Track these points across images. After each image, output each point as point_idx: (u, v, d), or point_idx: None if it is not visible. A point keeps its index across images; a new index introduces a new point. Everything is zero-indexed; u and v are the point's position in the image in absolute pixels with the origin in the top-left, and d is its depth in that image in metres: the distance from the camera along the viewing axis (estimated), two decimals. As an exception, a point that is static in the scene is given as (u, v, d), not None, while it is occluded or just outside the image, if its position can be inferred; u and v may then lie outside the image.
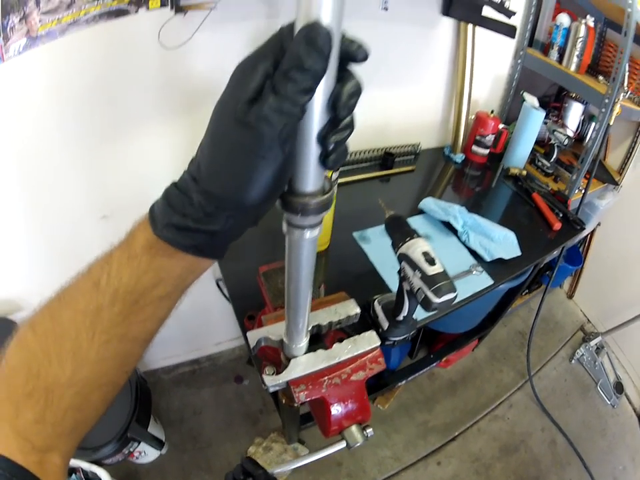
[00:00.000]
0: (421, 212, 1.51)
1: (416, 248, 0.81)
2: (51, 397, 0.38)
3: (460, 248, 1.37)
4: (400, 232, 0.85)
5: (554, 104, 2.23)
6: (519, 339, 2.53)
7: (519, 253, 1.38)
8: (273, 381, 0.64)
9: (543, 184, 1.81)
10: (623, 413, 2.30)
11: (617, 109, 1.65)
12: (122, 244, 0.39)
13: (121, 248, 0.39)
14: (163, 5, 1.16)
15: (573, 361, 2.48)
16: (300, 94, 0.29)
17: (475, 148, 1.92)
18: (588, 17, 1.74)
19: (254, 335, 0.69)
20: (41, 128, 1.22)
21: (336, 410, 0.68)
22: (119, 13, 1.17)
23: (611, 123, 1.67)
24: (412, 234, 0.83)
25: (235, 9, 1.19)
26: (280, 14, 1.30)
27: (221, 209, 0.35)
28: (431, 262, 0.79)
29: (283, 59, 0.29)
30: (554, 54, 1.87)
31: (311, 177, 0.39)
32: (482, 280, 1.27)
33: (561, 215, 1.65)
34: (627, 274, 2.44)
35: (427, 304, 0.79)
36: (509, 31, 1.44)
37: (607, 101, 1.64)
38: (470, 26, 1.65)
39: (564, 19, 1.80)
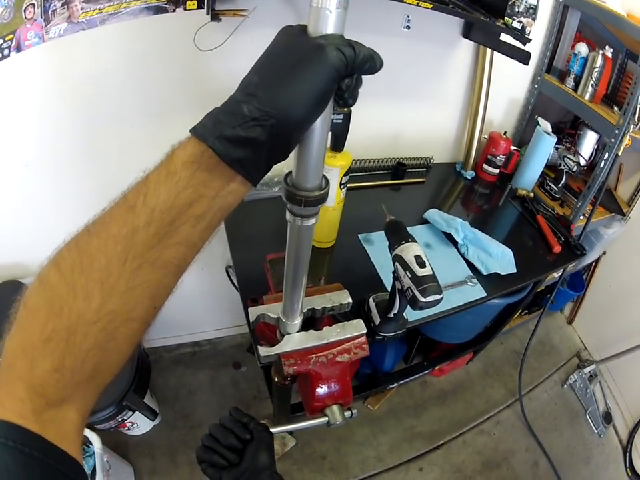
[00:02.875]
0: (426, 222, 1.61)
1: (409, 251, 0.91)
2: (73, 337, 0.37)
3: (458, 259, 1.47)
4: (397, 236, 0.95)
5: (569, 130, 2.32)
6: (513, 358, 2.62)
7: (514, 270, 1.48)
8: (266, 352, 0.77)
9: (549, 207, 1.90)
10: (608, 443, 2.38)
11: (626, 140, 1.73)
12: (159, 165, 0.41)
13: (158, 169, 0.40)
14: (199, 7, 1.27)
15: (565, 386, 2.57)
16: (367, 56, 0.41)
17: (485, 167, 2.03)
18: (607, 47, 1.83)
19: (254, 311, 0.82)
20: (73, 111, 1.35)
21: (320, 386, 0.79)
22: (158, 9, 1.28)
23: (619, 154, 1.75)
24: (407, 238, 0.94)
25: (266, 17, 1.33)
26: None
27: (268, 114, 0.38)
28: (422, 265, 0.89)
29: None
30: (570, 82, 1.96)
31: (311, 175, 0.53)
32: (475, 291, 1.37)
33: (562, 239, 1.74)
34: (628, 305, 2.53)
35: (414, 302, 0.89)
36: (523, 57, 1.53)
37: (617, 131, 1.72)
38: (489, 49, 1.77)
39: (582, 48, 1.89)
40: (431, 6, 1.22)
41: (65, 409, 0.39)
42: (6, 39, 1.24)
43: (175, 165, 0.39)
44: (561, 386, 2.58)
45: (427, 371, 2.07)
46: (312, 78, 0.39)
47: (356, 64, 0.41)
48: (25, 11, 1.21)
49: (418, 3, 1.19)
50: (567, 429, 2.39)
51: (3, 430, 0.35)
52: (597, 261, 2.71)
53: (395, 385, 2.01)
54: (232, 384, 2.15)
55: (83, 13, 1.24)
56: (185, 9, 1.29)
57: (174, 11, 1.29)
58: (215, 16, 1.17)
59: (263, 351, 0.77)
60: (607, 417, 2.44)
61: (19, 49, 1.25)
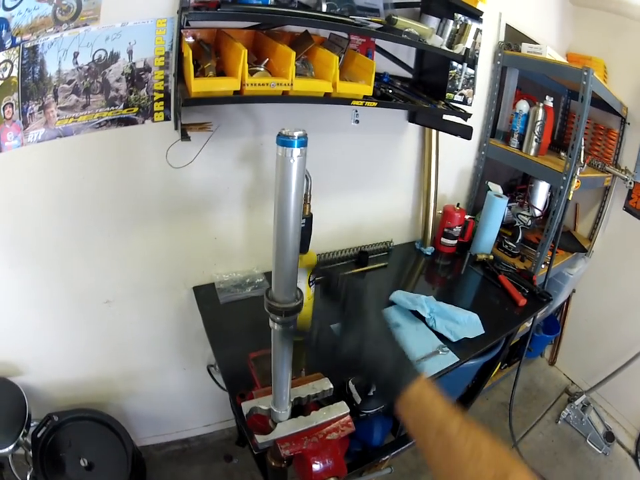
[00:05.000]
0: (393, 303, 1.79)
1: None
2: None
3: (428, 332, 1.65)
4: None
5: (521, 186, 2.59)
6: (501, 410, 2.77)
7: (482, 332, 1.68)
8: (263, 439, 0.93)
9: (510, 265, 2.13)
10: (616, 458, 2.56)
11: (575, 183, 1.95)
12: None
13: None
14: (166, 119, 1.49)
15: (559, 422, 2.74)
16: None
17: (444, 240, 2.26)
18: (547, 97, 2.08)
19: (247, 405, 0.99)
20: (51, 216, 1.49)
21: (315, 463, 0.95)
22: (129, 121, 1.47)
23: (570, 198, 1.98)
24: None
25: (229, 129, 1.56)
26: (264, 131, 1.66)
27: None
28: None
29: None
30: (514, 141, 2.20)
31: (287, 290, 0.74)
32: (448, 358, 1.55)
33: (526, 292, 1.94)
34: (605, 332, 2.78)
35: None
36: (466, 132, 1.77)
37: (564, 178, 1.95)
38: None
39: (523, 106, 2.14)
40: (375, 104, 1.47)
41: None
42: (-14, 135, 1.35)
43: None
44: (555, 423, 2.75)
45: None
46: None
47: None
48: (3, 110, 1.33)
49: (364, 104, 1.44)
50: (569, 459, 2.53)
51: None
52: (568, 300, 2.96)
53: (387, 457, 2.13)
54: (226, 476, 2.22)
55: (59, 119, 1.39)
56: (153, 121, 1.50)
57: (143, 122, 1.49)
58: (185, 135, 1.35)
59: (261, 438, 0.93)
60: (609, 436, 2.62)
61: (-1, 148, 1.36)
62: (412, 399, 0.71)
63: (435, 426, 0.68)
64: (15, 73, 1.31)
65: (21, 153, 1.37)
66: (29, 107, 1.35)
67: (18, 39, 1.28)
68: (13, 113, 1.35)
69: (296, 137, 0.61)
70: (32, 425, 1.62)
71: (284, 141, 0.61)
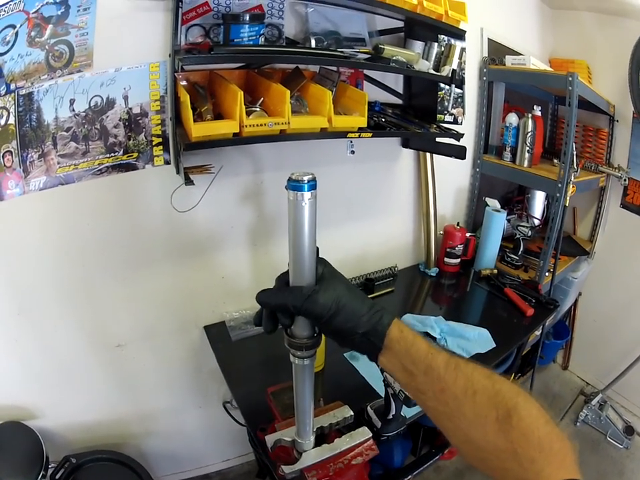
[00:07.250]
0: None
1: (394, 359, 1.15)
2: None
3: (440, 352, 1.70)
4: (380, 348, 1.19)
5: (518, 197, 2.66)
6: (519, 420, 2.78)
7: (493, 345, 1.72)
8: (290, 469, 0.97)
9: (514, 277, 2.18)
10: (638, 450, 2.58)
11: (570, 189, 2.00)
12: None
13: None
14: (166, 162, 1.55)
15: (578, 424, 2.74)
16: None
17: (447, 259, 2.31)
18: (535, 107, 2.13)
19: (271, 438, 1.02)
20: (57, 262, 1.52)
21: None
22: (129, 167, 1.51)
23: (567, 205, 2.03)
24: (390, 349, 1.17)
25: (229, 169, 1.62)
26: (263, 169, 1.73)
27: None
28: (407, 367, 1.13)
29: None
30: (507, 155, 2.26)
31: (306, 328, 0.77)
32: (462, 376, 1.59)
33: (533, 301, 1.98)
34: (614, 329, 2.82)
35: (408, 401, 1.11)
36: (460, 153, 1.82)
37: (560, 185, 2.00)
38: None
39: (512, 119, 2.19)
40: (371, 134, 1.53)
41: None
42: (-13, 184, 1.35)
43: None
44: (574, 425, 2.76)
45: (437, 457, 2.23)
46: None
47: None
48: (3, 158, 1.34)
49: (359, 135, 1.50)
50: (592, 458, 2.53)
51: None
52: (575, 303, 3.00)
53: (409, 476, 2.16)
54: (247, 509, 2.22)
55: (60, 167, 1.41)
56: (153, 165, 1.55)
57: (144, 167, 1.54)
58: (189, 180, 1.40)
59: (287, 468, 0.97)
60: (629, 430, 2.63)
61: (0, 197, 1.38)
62: (394, 337, 0.66)
63: (422, 364, 0.64)
64: (12, 120, 1.33)
65: (23, 200, 1.40)
66: (29, 155, 1.37)
67: (12, 86, 1.30)
68: (12, 161, 1.36)
69: (306, 181, 0.63)
70: (50, 466, 1.63)
71: (295, 185, 0.63)
